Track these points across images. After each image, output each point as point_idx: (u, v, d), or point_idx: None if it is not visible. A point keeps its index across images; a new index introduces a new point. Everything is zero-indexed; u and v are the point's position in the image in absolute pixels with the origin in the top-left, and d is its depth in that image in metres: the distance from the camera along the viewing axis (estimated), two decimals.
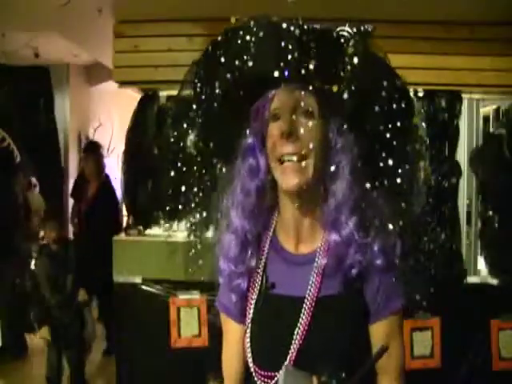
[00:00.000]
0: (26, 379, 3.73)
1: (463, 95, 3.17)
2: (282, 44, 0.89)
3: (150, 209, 3.26)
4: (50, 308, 3.22)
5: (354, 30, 0.91)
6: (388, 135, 0.95)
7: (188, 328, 3.03)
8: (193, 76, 1.03)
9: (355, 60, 0.90)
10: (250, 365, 1.02)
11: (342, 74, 0.90)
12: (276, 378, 0.97)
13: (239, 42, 0.93)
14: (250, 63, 0.92)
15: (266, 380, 0.99)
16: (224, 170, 1.08)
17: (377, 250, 0.96)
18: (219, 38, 0.98)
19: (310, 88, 0.92)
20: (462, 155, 3.21)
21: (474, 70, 3.07)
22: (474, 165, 3.19)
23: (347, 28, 0.91)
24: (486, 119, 3.55)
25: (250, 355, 1.02)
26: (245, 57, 0.92)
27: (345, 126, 0.95)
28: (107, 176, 4.62)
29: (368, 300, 0.99)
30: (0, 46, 4.54)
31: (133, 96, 3.49)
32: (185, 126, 1.06)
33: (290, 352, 0.97)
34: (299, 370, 0.93)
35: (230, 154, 1.05)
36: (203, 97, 1.01)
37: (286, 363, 0.96)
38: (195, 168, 1.08)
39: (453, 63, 3.06)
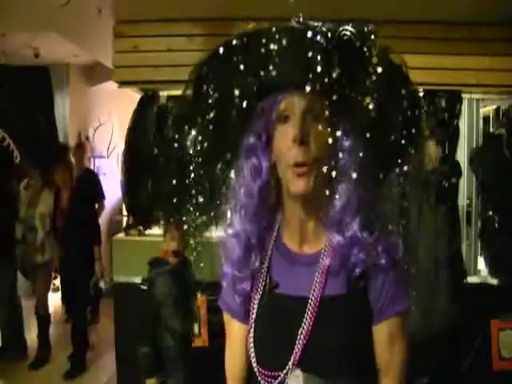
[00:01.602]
0: (26, 379, 3.74)
1: (463, 95, 3.17)
2: (309, 54, 0.87)
3: (150, 209, 3.26)
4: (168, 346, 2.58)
5: (357, 30, 0.90)
6: (403, 142, 0.96)
7: None
8: (200, 78, 1.00)
9: (379, 69, 0.89)
10: (254, 365, 1.01)
11: (367, 83, 0.89)
12: (279, 379, 0.97)
13: (262, 50, 0.90)
14: (274, 72, 0.91)
15: (269, 380, 0.99)
16: (224, 171, 1.08)
17: (381, 250, 0.96)
18: (234, 42, 0.95)
19: (334, 97, 0.90)
20: (462, 155, 3.22)
21: (474, 70, 3.07)
22: (474, 165, 3.19)
23: (350, 28, 0.90)
24: (486, 119, 3.56)
25: (253, 355, 1.02)
26: (269, 67, 0.90)
27: (367, 134, 0.94)
28: (89, 176, 4.40)
29: (372, 300, 0.99)
30: (0, 46, 4.54)
31: (133, 96, 3.49)
32: (188, 125, 1.04)
33: (294, 352, 0.96)
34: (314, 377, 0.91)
35: (231, 155, 1.04)
36: (210, 100, 0.99)
37: (289, 367, 0.95)
38: (195, 169, 1.08)
39: (453, 63, 3.07)
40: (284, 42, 0.89)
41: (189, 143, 1.04)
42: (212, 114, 1.00)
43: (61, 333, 4.61)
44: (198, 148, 1.04)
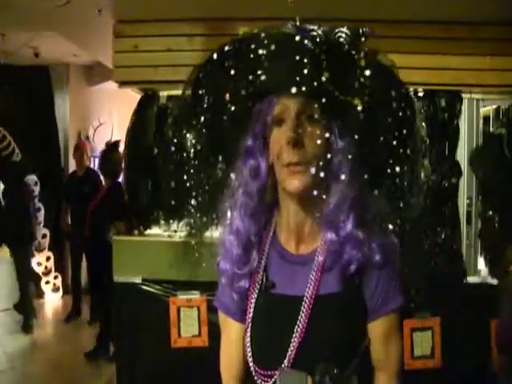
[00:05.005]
0: (25, 378, 3.74)
1: (463, 95, 3.17)
2: (297, 58, 0.90)
3: (150, 209, 3.26)
4: None
5: (352, 32, 0.92)
6: (395, 143, 0.97)
7: (188, 328, 3.03)
8: (195, 82, 1.03)
9: (367, 72, 0.92)
10: (250, 364, 1.02)
11: (355, 85, 0.92)
12: (274, 378, 0.98)
13: (251, 55, 0.93)
14: (263, 77, 0.93)
15: (265, 379, 1.00)
16: (225, 170, 1.08)
17: (375, 246, 0.97)
18: (226, 48, 0.98)
19: (324, 100, 0.92)
20: (462, 155, 3.21)
21: (474, 70, 3.07)
22: (474, 165, 3.19)
23: (345, 29, 0.92)
24: (486, 119, 3.55)
25: (250, 354, 1.03)
26: (258, 71, 0.93)
27: (357, 135, 0.95)
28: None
29: (367, 298, 1.00)
30: (0, 46, 4.55)
31: (133, 96, 3.49)
32: (185, 128, 1.06)
33: (290, 350, 0.97)
34: (296, 371, 0.93)
35: (230, 155, 1.05)
36: (205, 104, 1.01)
37: (282, 365, 0.96)
38: (195, 169, 1.08)
39: (453, 63, 3.07)
40: (272, 46, 0.92)
41: (188, 144, 1.05)
42: (208, 117, 1.02)
43: (61, 332, 4.62)
44: (197, 148, 1.05)
